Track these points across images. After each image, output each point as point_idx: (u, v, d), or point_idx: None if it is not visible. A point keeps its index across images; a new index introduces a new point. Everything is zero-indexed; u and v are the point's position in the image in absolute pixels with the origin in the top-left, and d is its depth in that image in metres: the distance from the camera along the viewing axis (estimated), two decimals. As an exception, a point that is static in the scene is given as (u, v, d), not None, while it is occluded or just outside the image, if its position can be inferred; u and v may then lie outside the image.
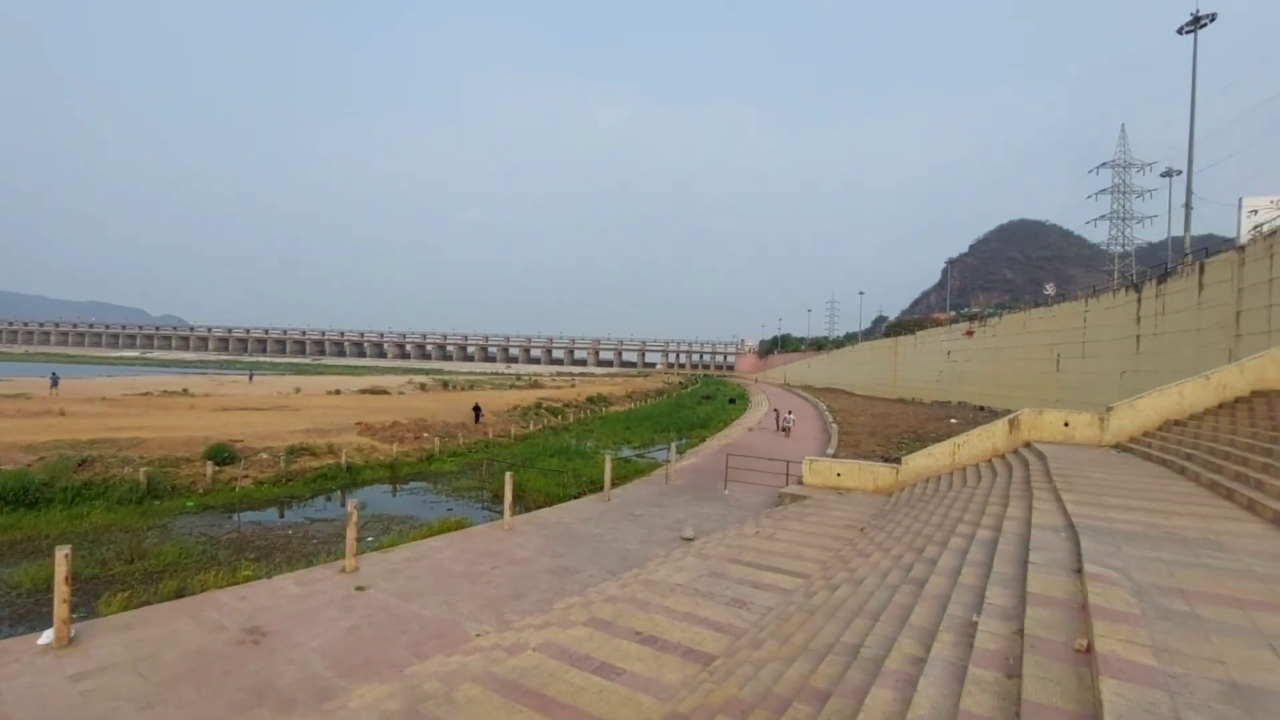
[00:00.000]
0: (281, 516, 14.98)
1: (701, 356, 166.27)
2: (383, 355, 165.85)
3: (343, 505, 16.09)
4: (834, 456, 19.32)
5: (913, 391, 55.75)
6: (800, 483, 15.09)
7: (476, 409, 31.88)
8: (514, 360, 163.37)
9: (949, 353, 49.72)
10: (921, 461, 14.09)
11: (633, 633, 5.96)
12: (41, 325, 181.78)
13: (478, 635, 6.82)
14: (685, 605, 6.73)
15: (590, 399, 47.60)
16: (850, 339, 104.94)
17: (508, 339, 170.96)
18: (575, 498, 15.91)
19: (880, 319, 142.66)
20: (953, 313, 76.11)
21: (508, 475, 12.01)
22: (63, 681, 5.67)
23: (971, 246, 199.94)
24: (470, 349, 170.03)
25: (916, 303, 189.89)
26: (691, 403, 54.15)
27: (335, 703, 5.23)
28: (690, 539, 11.15)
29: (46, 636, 6.43)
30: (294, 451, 19.15)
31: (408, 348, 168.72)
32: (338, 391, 44.85)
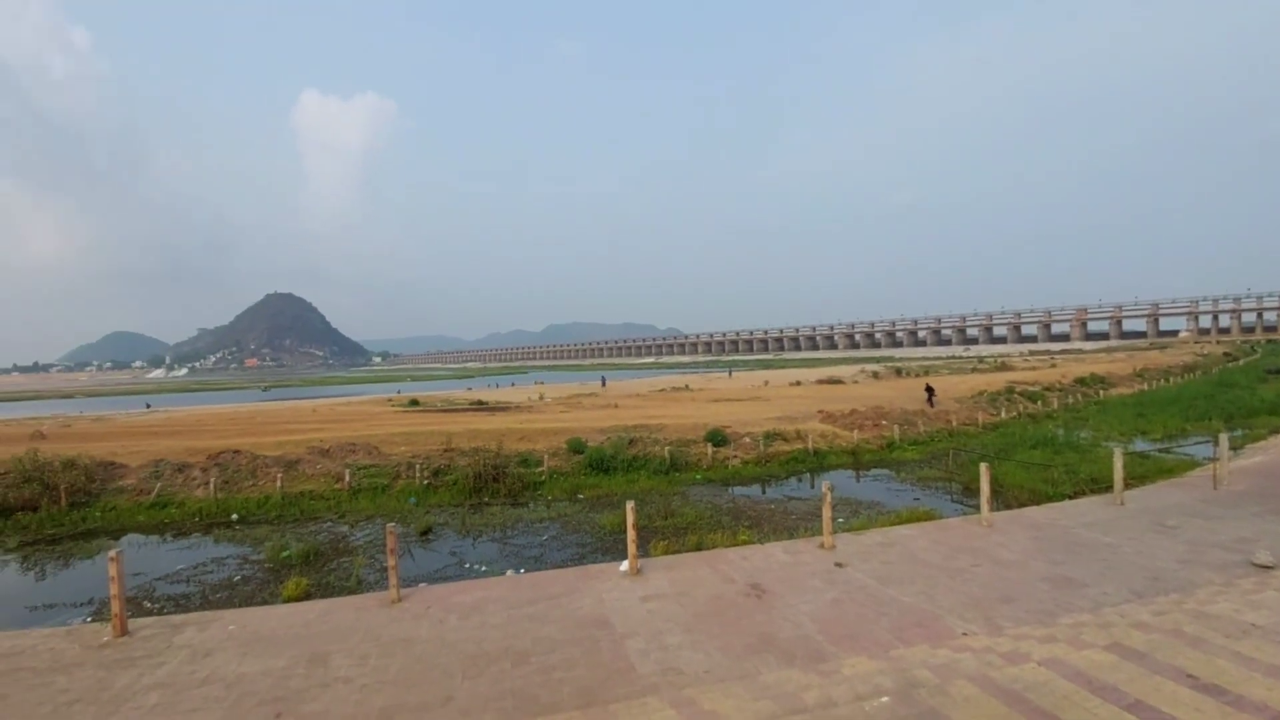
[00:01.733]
0: (763, 492, 17.15)
1: (1260, 315, 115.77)
2: (834, 346, 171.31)
3: (812, 487, 17.41)
4: None
5: None
6: None
7: (929, 389, 30.87)
8: (973, 341, 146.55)
9: None
10: None
11: (1181, 674, 4.71)
12: (596, 344, 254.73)
13: (964, 634, 6.48)
14: (1271, 655, 4.94)
15: (1079, 380, 39.07)
16: None
17: (963, 319, 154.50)
18: (1070, 497, 13.39)
19: None
20: None
21: (983, 466, 10.95)
22: (636, 600, 7.83)
23: None
24: (921, 333, 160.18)
25: None
26: (1247, 380, 38.72)
27: (828, 665, 5.76)
28: (1268, 566, 8.07)
29: (624, 566, 8.96)
30: (769, 436, 21.65)
31: (856, 337, 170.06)
32: (798, 383, 48.60)
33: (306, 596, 9.98)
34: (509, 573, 10.68)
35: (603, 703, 5.33)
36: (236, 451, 19.59)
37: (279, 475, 17.72)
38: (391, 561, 8.12)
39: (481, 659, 6.42)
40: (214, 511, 16.23)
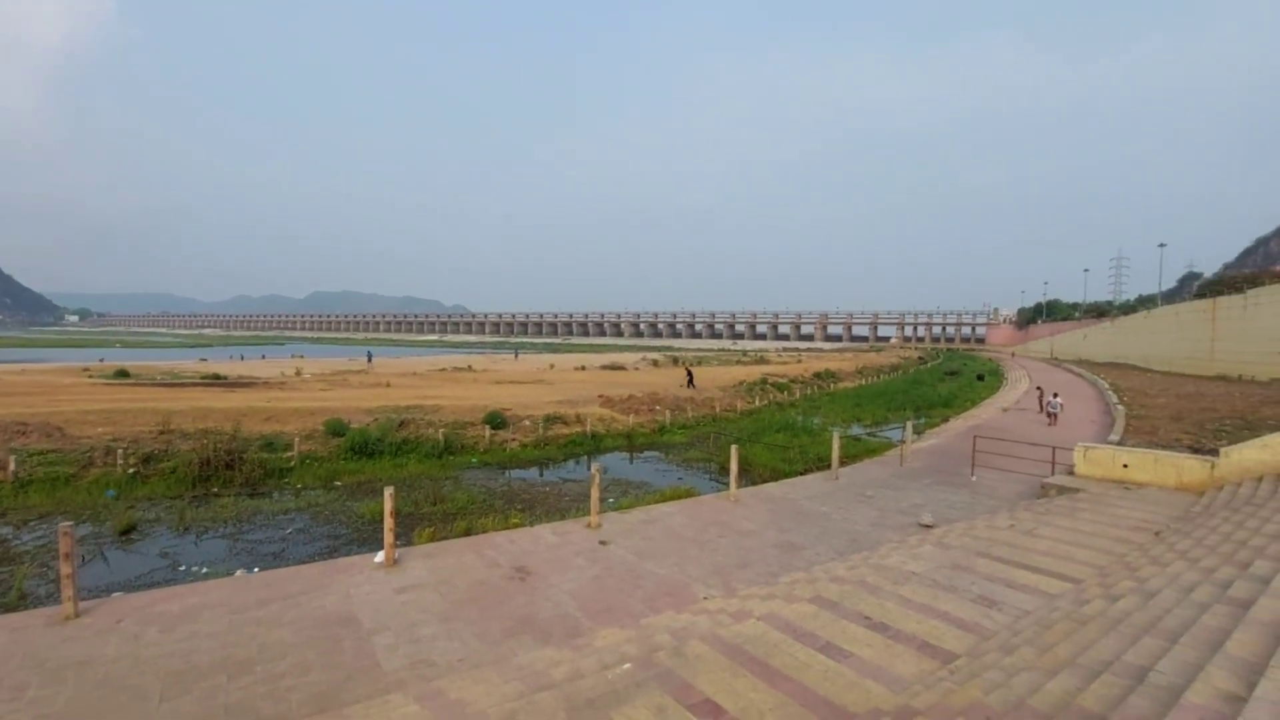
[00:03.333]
0: (540, 475, 17.25)
1: (944, 329, 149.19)
2: (620, 334, 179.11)
3: (588, 469, 17.94)
4: (1119, 444, 16.11)
5: (1241, 367, 43.57)
6: (1071, 473, 12.90)
7: (689, 374, 35.74)
8: (739, 336, 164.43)
9: (1306, 315, 37.75)
10: (1252, 455, 11.04)
11: (861, 616, 5.74)
12: (372, 317, 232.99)
13: (705, 598, 7.17)
14: (922, 596, 6.26)
15: (817, 374, 46.02)
16: (1145, 303, 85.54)
17: (733, 315, 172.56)
18: (801, 474, 15.65)
19: (1191, 276, 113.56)
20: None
21: (733, 448, 12.26)
22: (390, 592, 7.31)
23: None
24: (697, 326, 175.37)
25: (1248, 253, 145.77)
26: (931, 379, 49.25)
27: (583, 640, 5.95)
28: (929, 525, 10.28)
29: (379, 556, 8.31)
30: (549, 420, 21.81)
31: (641, 326, 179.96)
32: (583, 368, 49.84)
33: (-67, 622, 7.58)
34: (239, 573, 9.26)
35: (338, 706, 4.85)
36: None
37: (-106, 464, 13.24)
38: (66, 569, 6.51)
39: (189, 675, 5.46)
40: None
